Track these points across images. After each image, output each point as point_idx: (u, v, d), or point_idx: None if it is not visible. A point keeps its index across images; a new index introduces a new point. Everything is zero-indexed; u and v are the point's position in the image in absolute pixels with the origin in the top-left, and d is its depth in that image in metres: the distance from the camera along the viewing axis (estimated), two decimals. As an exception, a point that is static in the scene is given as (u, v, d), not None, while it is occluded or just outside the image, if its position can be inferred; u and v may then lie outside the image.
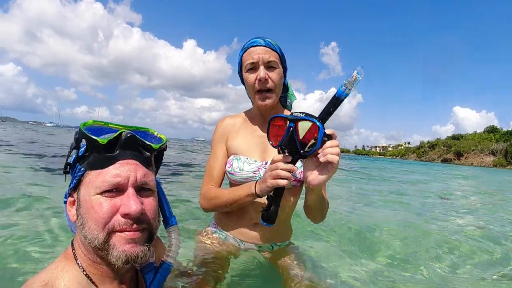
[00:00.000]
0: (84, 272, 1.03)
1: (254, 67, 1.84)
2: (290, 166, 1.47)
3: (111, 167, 0.99)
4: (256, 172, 1.85)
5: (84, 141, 1.01)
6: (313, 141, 1.40)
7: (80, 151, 1.04)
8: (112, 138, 1.00)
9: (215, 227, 2.10)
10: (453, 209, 6.48)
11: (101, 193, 0.98)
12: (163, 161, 1.21)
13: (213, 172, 1.98)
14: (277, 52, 1.87)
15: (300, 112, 1.42)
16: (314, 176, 1.45)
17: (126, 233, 0.99)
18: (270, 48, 1.84)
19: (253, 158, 1.88)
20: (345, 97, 1.41)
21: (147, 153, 1.07)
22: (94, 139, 0.98)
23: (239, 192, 1.74)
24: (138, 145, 1.05)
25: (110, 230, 0.98)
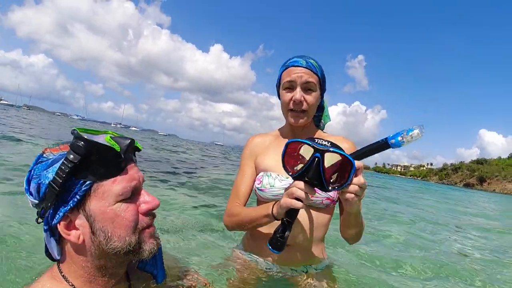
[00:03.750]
0: None
1: (291, 87, 1.81)
2: (309, 189, 1.35)
3: (123, 173, 0.98)
4: (279, 194, 1.77)
5: (73, 154, 0.90)
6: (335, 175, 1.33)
7: (67, 165, 0.90)
8: (126, 145, 1.00)
9: (243, 250, 2.02)
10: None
11: (122, 200, 0.97)
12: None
13: (239, 190, 1.94)
14: (317, 75, 1.82)
15: (326, 140, 1.33)
16: (344, 200, 1.38)
17: (149, 229, 1.04)
18: (310, 70, 1.80)
19: (284, 176, 1.80)
20: (395, 147, 1.35)
21: (135, 156, 1.09)
22: (111, 147, 0.94)
23: (257, 212, 1.68)
24: (134, 148, 1.05)
25: (140, 230, 1.01)
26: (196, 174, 10.25)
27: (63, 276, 1.01)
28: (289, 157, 1.40)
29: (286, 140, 1.67)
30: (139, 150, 1.10)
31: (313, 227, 1.82)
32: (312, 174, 1.29)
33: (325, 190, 1.32)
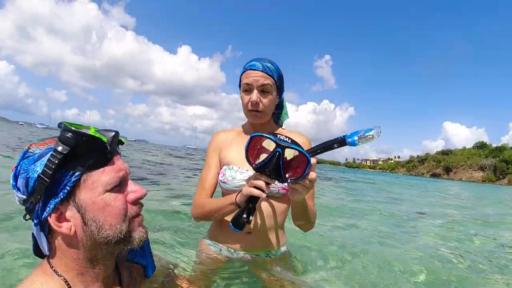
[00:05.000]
0: (67, 284, 1.01)
1: (249, 89, 1.93)
2: (267, 179, 1.47)
3: (110, 163, 1.01)
4: (243, 183, 1.89)
5: (60, 146, 0.91)
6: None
7: (56, 157, 0.92)
8: (111, 136, 1.04)
9: (209, 240, 2.13)
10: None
11: (110, 189, 0.99)
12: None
13: (205, 183, 2.05)
14: (273, 77, 1.93)
15: (286, 137, 1.43)
16: (292, 191, 1.52)
17: (137, 217, 1.07)
18: (266, 73, 1.91)
19: (245, 168, 1.92)
20: (351, 146, 1.49)
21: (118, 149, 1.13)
22: (98, 138, 0.97)
23: (222, 202, 1.80)
24: (118, 141, 1.10)
25: (129, 218, 1.03)
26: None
27: (54, 270, 1.02)
28: (252, 150, 1.49)
29: (248, 136, 1.81)
30: (122, 143, 1.13)
31: (272, 215, 1.96)
32: (272, 167, 1.40)
33: (283, 182, 1.45)
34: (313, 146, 1.58)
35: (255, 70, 1.91)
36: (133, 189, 1.06)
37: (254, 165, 1.47)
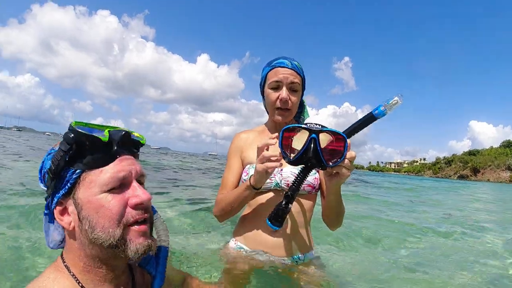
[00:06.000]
0: (78, 281, 1.01)
1: (277, 86, 1.91)
2: (276, 152, 1.50)
3: (112, 164, 0.99)
4: (272, 179, 1.89)
5: (73, 144, 0.96)
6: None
7: (66, 154, 0.97)
8: (112, 135, 1.02)
9: (234, 242, 2.06)
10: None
11: (108, 190, 0.97)
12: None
13: (227, 183, 2.03)
14: (300, 76, 1.94)
15: (315, 124, 1.41)
16: (331, 178, 1.50)
17: (138, 226, 1.01)
18: (295, 71, 1.91)
19: None
20: (381, 117, 1.51)
21: (135, 150, 1.11)
22: (96, 137, 0.97)
23: (238, 189, 1.82)
24: (131, 141, 1.07)
25: (125, 224, 0.98)
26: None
27: (65, 265, 1.02)
28: (285, 142, 1.46)
29: (270, 135, 1.82)
30: (140, 143, 1.11)
31: (297, 213, 1.91)
32: (312, 154, 1.36)
33: (324, 167, 1.40)
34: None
35: (285, 67, 1.90)
36: (135, 193, 1.00)
37: (291, 158, 1.43)
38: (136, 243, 0.99)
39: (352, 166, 1.43)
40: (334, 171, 1.44)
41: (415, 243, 4.05)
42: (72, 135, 0.95)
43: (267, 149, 1.57)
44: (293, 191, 1.56)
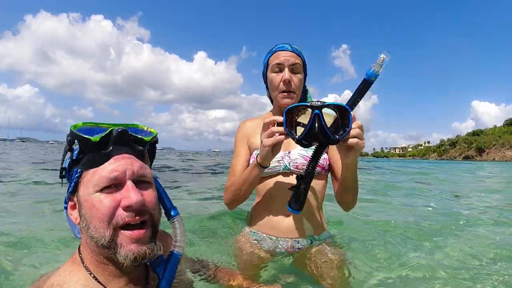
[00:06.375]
0: (92, 274, 1.03)
1: (279, 69, 1.93)
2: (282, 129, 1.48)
3: (106, 163, 0.99)
4: (280, 162, 1.91)
5: (77, 145, 1.01)
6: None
7: (73, 154, 1.03)
8: (104, 135, 1.00)
9: (249, 228, 2.10)
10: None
11: (100, 190, 0.97)
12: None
13: (235, 169, 2.04)
14: (301, 58, 1.97)
15: (318, 101, 1.40)
16: (346, 153, 1.49)
17: (130, 232, 0.98)
18: (295, 53, 1.94)
19: None
20: (375, 79, 1.50)
21: (140, 147, 1.08)
22: (86, 138, 0.98)
23: (246, 170, 1.82)
24: (130, 139, 1.05)
25: (115, 226, 0.97)
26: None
27: (80, 257, 1.06)
28: (289, 123, 1.46)
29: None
30: (143, 141, 1.09)
31: (309, 195, 1.88)
32: (317, 130, 1.36)
33: (333, 141, 1.40)
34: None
35: (285, 50, 1.94)
36: (126, 195, 0.98)
37: (297, 136, 1.42)
38: (126, 249, 0.97)
39: (362, 135, 1.41)
40: (346, 145, 1.42)
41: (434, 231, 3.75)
42: (69, 137, 1.00)
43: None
44: (308, 172, 1.57)
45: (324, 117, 1.36)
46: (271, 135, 1.53)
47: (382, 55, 1.46)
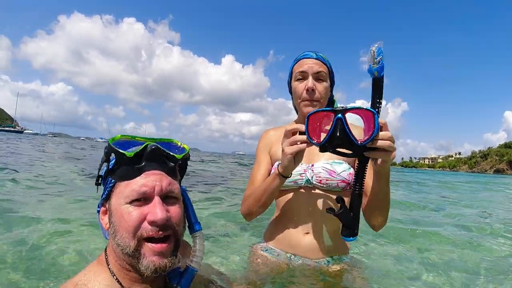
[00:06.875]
0: (115, 277, 1.08)
1: (303, 77, 1.87)
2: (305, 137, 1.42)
3: (138, 178, 1.04)
4: (303, 175, 1.80)
5: (113, 155, 1.07)
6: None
7: (110, 164, 1.10)
8: (138, 151, 1.05)
9: (264, 244, 2.01)
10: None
11: (130, 202, 1.03)
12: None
13: (255, 179, 1.97)
14: (326, 66, 1.90)
15: (341, 106, 1.33)
16: (375, 163, 1.40)
17: (153, 244, 1.03)
18: (320, 61, 1.87)
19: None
20: (378, 74, 1.39)
21: (171, 163, 1.12)
22: (122, 152, 1.03)
23: (267, 179, 1.73)
24: (162, 156, 1.09)
25: (139, 237, 1.02)
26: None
27: (106, 258, 1.12)
28: (312, 129, 1.40)
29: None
30: (175, 158, 1.13)
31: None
32: (340, 134, 1.28)
33: (356, 148, 1.31)
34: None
35: (309, 58, 1.88)
36: (151, 210, 1.03)
37: (319, 142, 1.36)
38: (148, 260, 1.03)
39: (392, 138, 1.31)
40: (372, 154, 1.34)
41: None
42: (106, 149, 1.06)
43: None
44: (357, 194, 1.48)
45: (350, 127, 1.28)
46: (293, 143, 1.47)
47: (372, 48, 1.37)
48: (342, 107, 1.31)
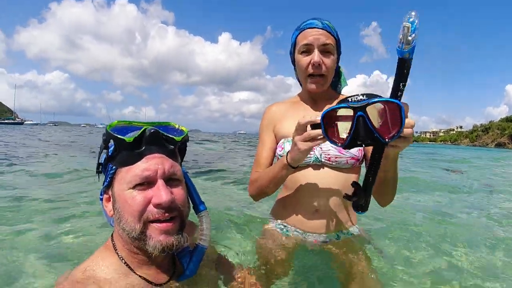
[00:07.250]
0: (123, 261, 1.11)
1: (308, 50, 1.75)
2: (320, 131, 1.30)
3: (139, 162, 1.05)
4: (311, 153, 1.74)
5: (112, 141, 1.07)
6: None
7: (109, 151, 1.09)
8: (137, 135, 1.05)
9: (275, 221, 1.98)
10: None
11: (133, 187, 1.04)
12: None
13: (260, 159, 1.93)
14: (334, 37, 1.77)
15: (360, 95, 1.20)
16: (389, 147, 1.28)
17: (159, 224, 1.05)
18: (327, 31, 1.73)
19: None
20: (409, 55, 1.19)
21: (171, 146, 1.12)
22: (121, 138, 1.04)
23: (274, 168, 1.68)
24: (162, 139, 1.10)
25: (145, 220, 1.04)
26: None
27: (113, 244, 1.15)
28: (330, 128, 1.28)
29: (305, 105, 1.84)
30: (174, 141, 1.14)
31: (340, 189, 1.75)
32: (363, 133, 1.17)
33: (384, 143, 1.21)
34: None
35: (315, 28, 1.73)
36: (156, 193, 1.04)
37: (342, 144, 1.25)
38: (155, 240, 1.05)
39: (412, 133, 1.22)
40: (394, 142, 1.22)
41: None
42: (105, 136, 1.07)
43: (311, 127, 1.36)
44: (370, 183, 1.43)
45: (370, 115, 1.16)
46: (307, 138, 1.36)
47: (405, 24, 1.12)
48: (358, 96, 1.20)
